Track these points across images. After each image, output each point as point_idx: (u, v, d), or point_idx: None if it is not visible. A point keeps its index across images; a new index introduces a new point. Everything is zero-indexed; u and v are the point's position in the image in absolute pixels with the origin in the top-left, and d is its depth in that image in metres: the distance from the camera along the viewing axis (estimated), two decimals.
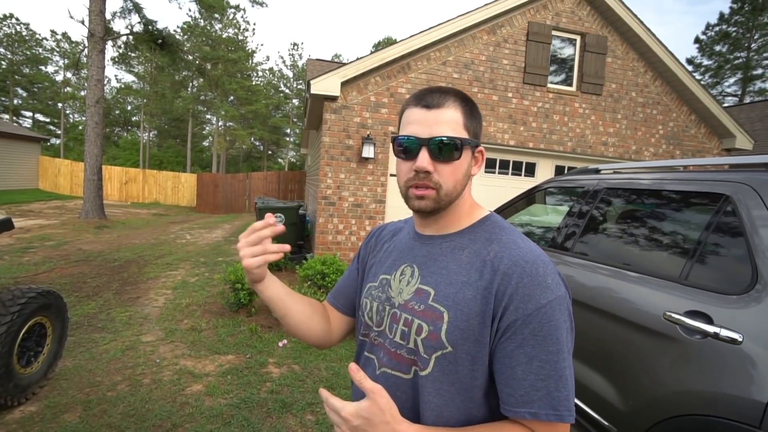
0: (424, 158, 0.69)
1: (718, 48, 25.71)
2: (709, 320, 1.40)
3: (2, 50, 32.76)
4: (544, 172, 6.73)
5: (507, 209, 3.21)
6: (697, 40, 26.85)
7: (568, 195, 2.62)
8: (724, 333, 1.33)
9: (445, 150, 0.69)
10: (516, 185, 6.35)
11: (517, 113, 6.35)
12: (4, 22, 32.71)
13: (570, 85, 6.69)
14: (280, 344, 3.47)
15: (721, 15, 24.95)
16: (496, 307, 0.65)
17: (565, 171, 6.61)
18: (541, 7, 6.34)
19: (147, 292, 4.76)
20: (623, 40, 6.70)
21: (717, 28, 25.49)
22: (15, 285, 3.78)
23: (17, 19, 33.41)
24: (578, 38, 6.62)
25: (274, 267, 5.82)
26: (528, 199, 3.07)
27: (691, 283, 1.54)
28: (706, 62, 26.82)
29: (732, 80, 25.95)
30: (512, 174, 6.67)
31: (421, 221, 0.81)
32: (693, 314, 1.45)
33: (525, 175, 6.71)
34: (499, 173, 6.61)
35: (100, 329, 3.60)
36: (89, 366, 2.93)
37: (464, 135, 0.72)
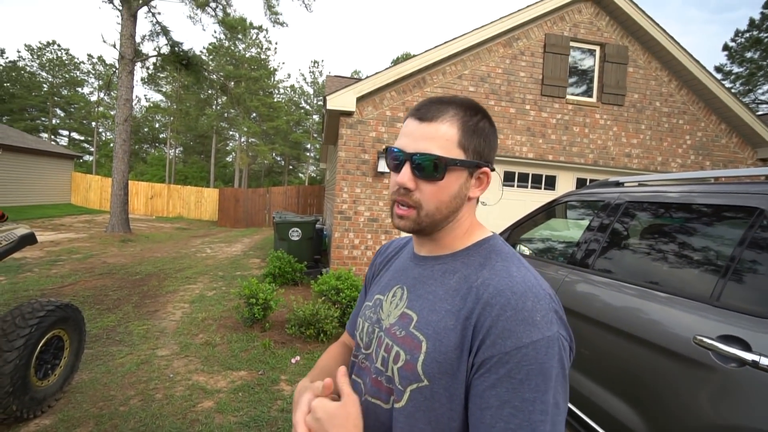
0: (405, 174, 0.65)
1: (749, 55, 24.86)
2: (746, 346, 1.27)
3: (45, 74, 34.96)
4: (565, 185, 6.56)
5: (525, 223, 3.11)
6: (726, 48, 26.06)
7: (589, 208, 2.51)
8: (766, 362, 1.21)
9: (426, 168, 0.63)
10: (536, 199, 6.21)
11: (536, 125, 6.25)
12: (47, 48, 34.98)
13: (590, 96, 6.55)
14: (293, 361, 3.42)
15: (752, 21, 24.16)
16: (473, 339, 0.58)
17: (587, 184, 6.44)
18: (558, 19, 6.28)
19: (165, 305, 4.82)
20: (645, 50, 6.54)
21: (747, 35, 24.69)
22: (40, 297, 3.88)
23: (59, 45, 35.70)
24: (597, 49, 6.51)
25: (291, 282, 5.83)
26: (547, 212, 2.97)
27: (723, 305, 1.42)
28: (736, 69, 25.95)
29: (766, 87, 24.98)
30: (531, 187, 6.53)
31: (417, 240, 0.76)
32: (727, 339, 1.33)
33: (545, 188, 6.55)
34: (518, 187, 6.48)
35: (118, 342, 3.64)
36: (104, 379, 2.95)
37: (456, 154, 0.64)
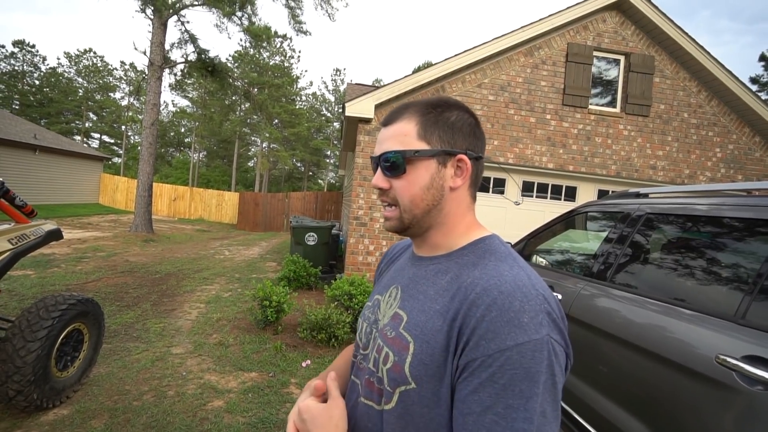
0: (377, 176, 0.70)
1: None
2: None
3: (80, 80, 36.70)
4: (586, 196, 6.41)
5: (542, 233, 3.05)
6: (762, 58, 25.16)
7: (608, 220, 2.44)
8: None
9: (392, 165, 0.67)
10: (555, 209, 6.08)
11: (556, 135, 6.15)
12: (84, 56, 36.75)
13: (614, 106, 6.42)
14: (304, 364, 3.43)
15: None
16: (458, 340, 0.56)
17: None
18: (581, 28, 6.20)
19: (182, 304, 4.92)
20: (672, 60, 6.37)
21: None
22: (65, 291, 4.01)
23: (95, 52, 37.46)
24: (622, 58, 6.38)
25: (305, 286, 5.87)
26: (565, 223, 2.90)
27: (748, 323, 1.34)
28: None
29: None
30: (551, 198, 6.41)
31: (414, 241, 0.77)
32: (753, 360, 1.26)
33: (565, 199, 6.42)
34: (537, 197, 6.37)
35: (135, 339, 3.73)
36: (120, 374, 3.02)
37: (416, 146, 0.66)
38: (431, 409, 0.58)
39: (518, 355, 0.51)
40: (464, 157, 0.67)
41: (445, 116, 0.68)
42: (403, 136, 0.67)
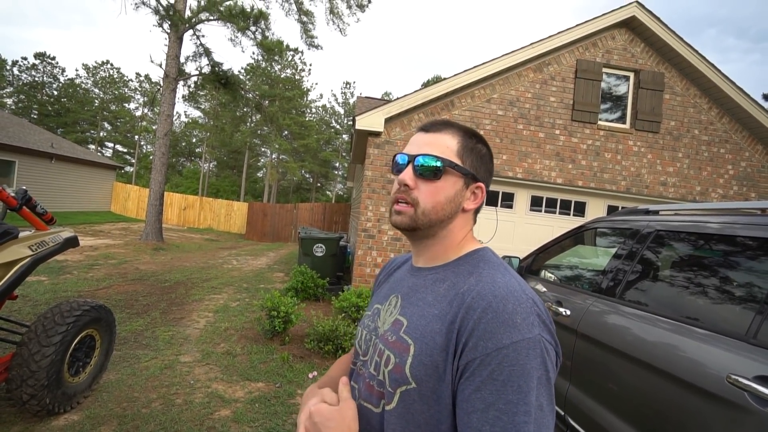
0: (407, 172, 0.72)
1: None
2: None
3: (97, 90, 37.71)
4: (595, 211, 6.38)
5: (551, 248, 3.05)
6: None
7: (617, 236, 2.44)
8: None
9: (427, 168, 0.71)
10: (564, 225, 6.07)
11: (565, 151, 6.16)
12: (101, 67, 37.83)
13: (623, 122, 6.43)
14: (310, 375, 3.42)
15: None
16: (457, 342, 0.60)
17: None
18: (590, 45, 6.26)
19: (191, 313, 4.96)
20: (683, 77, 6.39)
21: None
22: (77, 298, 4.08)
23: (111, 64, 38.55)
24: (632, 75, 6.41)
25: (312, 297, 5.88)
26: (574, 238, 2.90)
27: (760, 343, 1.34)
28: None
29: None
30: (560, 213, 6.39)
31: (414, 252, 0.81)
32: (765, 380, 1.25)
33: (574, 215, 6.39)
34: (546, 212, 6.36)
35: (144, 346, 3.77)
36: (129, 381, 3.05)
37: (455, 161, 0.72)
38: (431, 406, 0.61)
39: (514, 352, 0.55)
40: (482, 185, 0.75)
41: (479, 147, 0.76)
42: (444, 147, 0.72)
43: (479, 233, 0.79)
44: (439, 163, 0.70)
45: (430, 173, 0.70)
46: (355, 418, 0.66)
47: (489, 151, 0.78)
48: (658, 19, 6.11)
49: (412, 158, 0.72)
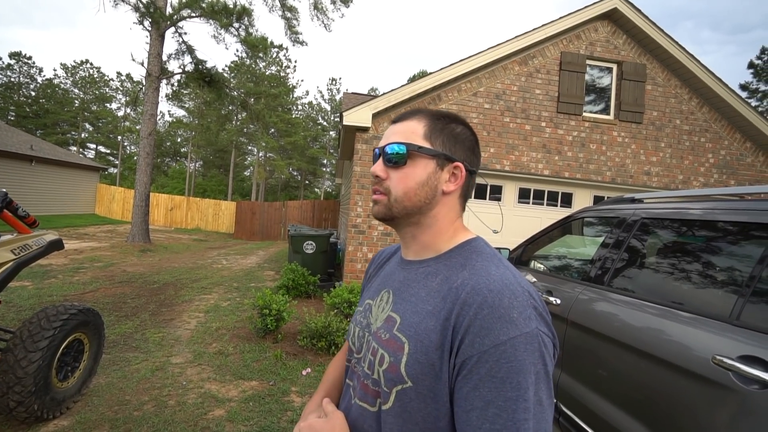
0: (378, 164, 0.74)
1: None
2: None
3: (77, 90, 36.78)
4: (582, 202, 6.48)
5: (539, 239, 3.08)
6: (751, 65, 25.65)
7: (603, 225, 2.49)
8: None
9: (393, 156, 0.71)
10: (552, 216, 6.14)
11: (552, 143, 6.23)
12: (81, 67, 36.88)
13: (607, 113, 6.52)
14: (304, 373, 3.42)
15: None
16: (453, 339, 0.59)
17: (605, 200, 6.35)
18: (574, 37, 6.32)
19: (181, 314, 4.90)
20: (664, 68, 6.50)
21: None
22: (65, 302, 4.01)
23: (91, 63, 37.61)
24: (614, 66, 6.50)
25: (304, 294, 5.87)
26: (562, 229, 2.94)
27: (743, 324, 1.38)
28: (763, 87, 25.48)
29: None
30: (547, 204, 6.47)
31: (402, 243, 0.80)
32: (748, 360, 1.29)
33: (561, 206, 6.48)
34: (534, 204, 6.43)
35: (134, 349, 3.71)
36: (120, 384, 3.00)
37: (421, 144, 0.71)
38: (428, 405, 0.60)
39: (512, 348, 0.54)
40: (461, 164, 0.72)
41: (451, 127, 0.74)
42: (410, 133, 0.72)
43: (480, 231, 0.78)
44: (403, 149, 0.70)
45: (397, 160, 0.71)
46: (343, 427, 0.68)
47: (467, 130, 0.75)
48: (639, 10, 6.20)
49: (381, 150, 0.74)
